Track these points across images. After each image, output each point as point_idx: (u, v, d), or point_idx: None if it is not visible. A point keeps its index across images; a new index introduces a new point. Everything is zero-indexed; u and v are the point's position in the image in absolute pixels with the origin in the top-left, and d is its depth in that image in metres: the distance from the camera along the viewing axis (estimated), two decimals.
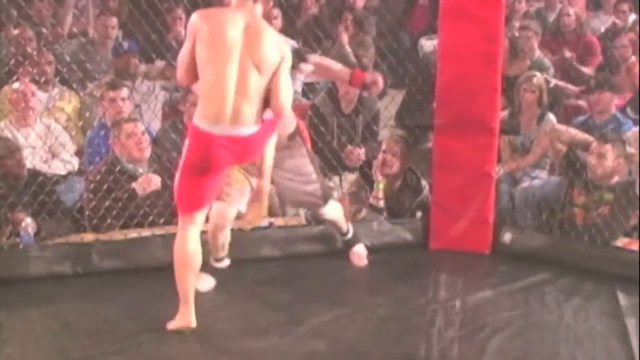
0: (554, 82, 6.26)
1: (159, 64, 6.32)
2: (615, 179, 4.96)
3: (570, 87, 6.64)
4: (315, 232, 4.81)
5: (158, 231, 4.64)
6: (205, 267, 3.98)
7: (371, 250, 4.78)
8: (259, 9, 3.65)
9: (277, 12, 6.79)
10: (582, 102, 6.40)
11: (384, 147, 5.13)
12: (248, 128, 3.60)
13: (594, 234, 4.85)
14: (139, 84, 5.94)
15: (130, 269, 4.48)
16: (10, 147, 4.95)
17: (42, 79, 5.64)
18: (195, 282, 3.74)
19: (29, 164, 5.14)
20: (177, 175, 3.68)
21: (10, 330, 3.83)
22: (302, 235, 4.82)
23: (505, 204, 5.39)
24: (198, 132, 3.59)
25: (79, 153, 5.53)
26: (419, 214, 5.15)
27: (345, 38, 7.00)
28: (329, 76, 4.85)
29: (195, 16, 3.61)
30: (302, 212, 5.03)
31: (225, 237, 4.19)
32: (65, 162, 5.41)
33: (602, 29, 7.58)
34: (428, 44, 7.09)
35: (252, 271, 4.21)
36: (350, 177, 5.61)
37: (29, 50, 5.76)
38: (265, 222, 4.75)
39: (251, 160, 3.82)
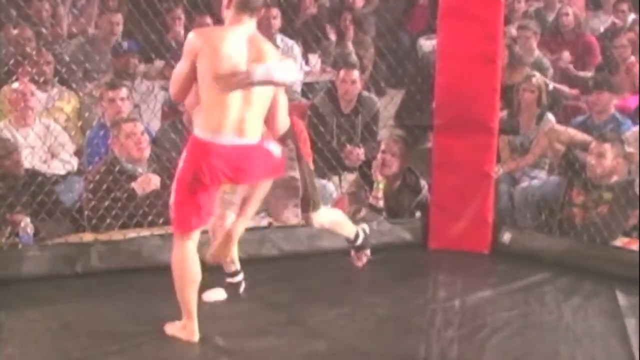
0: (552, 85, 6.26)
1: (158, 63, 6.32)
2: (614, 178, 4.97)
3: (568, 90, 6.64)
4: (314, 232, 4.81)
5: (157, 231, 4.64)
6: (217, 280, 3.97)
7: (371, 250, 4.78)
8: (254, 23, 3.59)
9: (276, 11, 6.79)
10: (581, 103, 6.40)
11: (383, 147, 5.13)
12: (251, 139, 3.55)
13: (593, 233, 4.85)
14: (138, 83, 5.94)
15: (130, 269, 4.48)
16: (9, 148, 4.96)
17: (42, 79, 5.63)
18: (196, 294, 3.68)
19: (28, 164, 5.15)
20: (174, 190, 3.59)
21: (9, 330, 3.83)
22: (301, 235, 4.81)
23: (504, 204, 5.39)
24: (198, 143, 3.52)
25: (78, 153, 5.53)
26: (418, 213, 5.15)
27: (347, 37, 7.02)
28: None
29: (193, 35, 3.52)
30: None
31: (234, 252, 4.09)
32: (65, 162, 5.41)
33: (602, 29, 7.58)
34: (427, 44, 7.09)
35: (251, 271, 4.21)
36: (350, 177, 5.62)
37: (28, 50, 5.75)
38: (264, 222, 4.74)
39: (246, 181, 3.66)
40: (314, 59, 6.95)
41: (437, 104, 4.95)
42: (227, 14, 3.59)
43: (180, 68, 3.55)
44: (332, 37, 7.13)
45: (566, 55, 6.93)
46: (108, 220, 4.68)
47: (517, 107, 5.78)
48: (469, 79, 4.76)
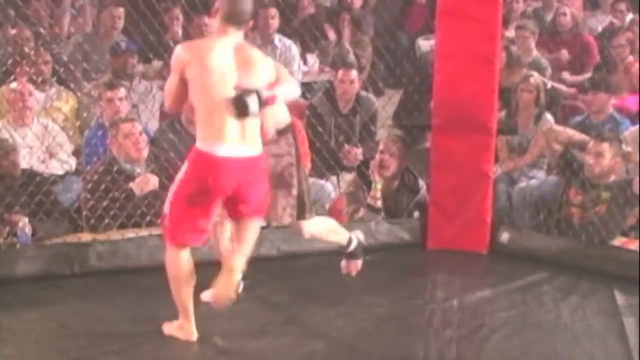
0: (550, 84, 6.26)
1: (157, 64, 6.31)
2: (612, 177, 4.97)
3: (565, 89, 6.64)
4: None
5: (155, 231, 4.62)
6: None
7: (369, 250, 4.78)
8: (241, 34, 3.58)
9: (274, 11, 6.79)
10: (579, 102, 6.40)
11: (381, 147, 5.12)
12: (254, 148, 3.52)
13: (591, 233, 4.86)
14: (136, 84, 5.94)
15: (128, 269, 4.48)
16: (7, 148, 4.96)
17: (40, 79, 5.63)
18: (191, 295, 3.66)
19: (26, 164, 5.15)
20: (171, 201, 3.54)
21: (8, 330, 3.83)
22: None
23: (502, 204, 5.39)
24: (200, 155, 3.47)
25: (76, 153, 5.53)
26: (416, 213, 5.15)
27: (345, 37, 7.01)
28: None
29: (179, 49, 3.54)
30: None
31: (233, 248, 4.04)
32: (63, 162, 5.41)
33: (600, 29, 7.59)
34: (425, 44, 7.09)
35: (250, 271, 4.20)
36: (348, 177, 5.62)
37: (27, 50, 5.74)
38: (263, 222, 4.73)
39: (245, 200, 3.55)
40: (312, 59, 6.95)
41: (435, 104, 4.95)
42: (212, 22, 3.61)
43: (170, 82, 3.57)
44: (332, 36, 7.10)
45: (564, 53, 6.94)
46: (106, 220, 4.68)
47: (515, 107, 5.78)
48: (467, 79, 4.76)
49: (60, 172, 5.35)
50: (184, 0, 6.44)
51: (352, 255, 4.11)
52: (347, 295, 4.30)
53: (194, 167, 3.50)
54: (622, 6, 7.62)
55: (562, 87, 6.63)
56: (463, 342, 3.83)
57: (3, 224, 4.62)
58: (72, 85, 5.92)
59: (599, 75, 6.10)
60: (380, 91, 6.96)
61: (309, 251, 4.76)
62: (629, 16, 7.55)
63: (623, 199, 4.88)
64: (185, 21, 6.78)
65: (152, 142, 5.15)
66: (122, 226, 4.70)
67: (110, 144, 4.90)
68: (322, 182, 5.43)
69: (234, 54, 3.50)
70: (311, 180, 5.27)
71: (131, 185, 4.76)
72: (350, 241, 4.08)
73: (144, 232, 4.65)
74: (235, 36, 3.55)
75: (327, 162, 5.41)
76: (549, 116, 5.72)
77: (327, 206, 5.33)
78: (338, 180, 5.75)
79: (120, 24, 6.48)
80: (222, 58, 3.47)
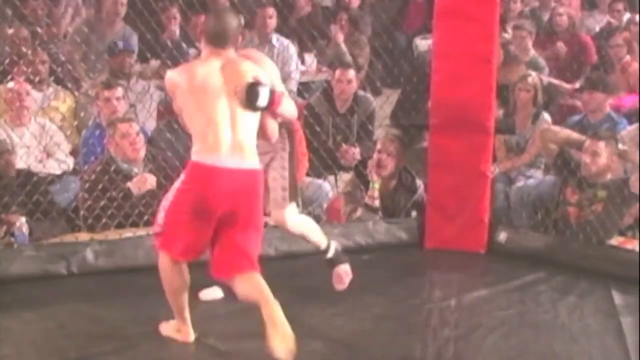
0: (547, 80, 6.27)
1: (154, 63, 6.32)
2: (609, 176, 4.97)
3: (564, 85, 6.65)
4: None
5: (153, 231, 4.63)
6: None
7: (366, 249, 4.79)
8: (231, 52, 3.58)
9: (272, 11, 6.79)
10: (577, 102, 6.41)
11: (379, 146, 5.13)
12: (251, 161, 3.50)
13: (588, 232, 4.86)
14: (133, 83, 5.94)
15: (126, 268, 4.47)
16: (2, 148, 4.96)
17: (37, 79, 5.63)
18: (186, 298, 3.63)
19: (23, 164, 5.15)
20: (167, 209, 3.52)
21: (5, 331, 3.82)
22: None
23: (500, 204, 5.40)
24: (197, 167, 3.46)
25: (73, 153, 5.53)
26: (414, 213, 5.15)
27: (340, 37, 7.00)
28: None
29: (170, 74, 3.57)
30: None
31: None
32: (60, 162, 5.41)
33: (597, 29, 7.60)
34: (423, 44, 7.09)
35: None
36: (346, 177, 5.62)
37: (24, 49, 5.75)
38: None
39: (241, 214, 3.51)
40: (310, 59, 6.95)
41: (433, 103, 4.95)
42: (202, 46, 3.62)
43: (175, 105, 3.61)
44: (340, 38, 7.06)
45: (560, 46, 6.94)
46: (104, 220, 4.68)
47: (513, 106, 5.79)
48: (464, 78, 4.76)
49: (58, 172, 5.35)
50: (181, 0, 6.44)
51: (335, 261, 4.09)
52: (345, 294, 4.28)
53: (190, 177, 3.48)
54: (620, 6, 7.63)
55: (562, 84, 6.64)
56: (461, 342, 3.83)
57: (0, 223, 4.61)
58: (69, 85, 5.92)
59: (596, 75, 6.11)
60: (378, 91, 6.97)
61: (307, 251, 4.76)
62: (627, 16, 7.56)
63: (620, 198, 4.88)
64: (183, 20, 6.78)
65: (150, 141, 5.15)
66: (120, 226, 4.69)
67: (108, 143, 4.90)
68: (320, 181, 5.43)
69: (220, 71, 3.49)
70: (309, 179, 5.31)
71: (129, 184, 4.76)
72: (329, 246, 4.08)
73: (141, 231, 4.64)
74: (224, 56, 3.54)
75: (325, 162, 5.41)
76: (546, 116, 5.73)
77: (325, 206, 5.33)
78: (336, 180, 5.76)
79: (123, 10, 6.46)
80: (211, 77, 3.48)
